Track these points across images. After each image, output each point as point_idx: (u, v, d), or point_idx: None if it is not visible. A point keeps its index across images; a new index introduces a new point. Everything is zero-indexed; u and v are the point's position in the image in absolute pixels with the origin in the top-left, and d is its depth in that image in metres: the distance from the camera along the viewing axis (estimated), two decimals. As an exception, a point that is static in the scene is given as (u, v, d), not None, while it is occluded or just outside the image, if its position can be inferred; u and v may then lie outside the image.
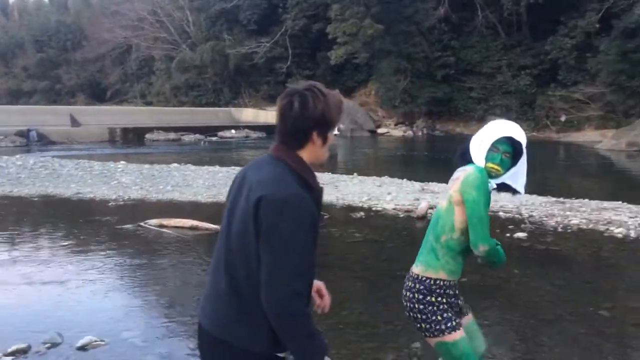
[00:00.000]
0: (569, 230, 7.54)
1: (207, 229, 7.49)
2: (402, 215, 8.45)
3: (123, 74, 44.92)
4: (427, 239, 2.53)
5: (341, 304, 4.80)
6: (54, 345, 3.97)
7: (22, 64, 49.79)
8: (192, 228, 7.55)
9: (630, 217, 8.07)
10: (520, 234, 7.18)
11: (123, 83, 45.26)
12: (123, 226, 7.69)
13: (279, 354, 1.83)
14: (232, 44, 35.66)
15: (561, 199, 9.54)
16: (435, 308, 2.43)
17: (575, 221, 7.92)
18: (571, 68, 27.57)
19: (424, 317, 2.44)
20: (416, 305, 2.45)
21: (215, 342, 1.83)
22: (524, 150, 2.36)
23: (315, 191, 1.80)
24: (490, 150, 2.37)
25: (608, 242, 6.98)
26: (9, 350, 3.80)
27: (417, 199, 9.47)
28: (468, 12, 30.62)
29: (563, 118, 27.90)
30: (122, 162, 14.41)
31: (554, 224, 7.85)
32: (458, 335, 2.40)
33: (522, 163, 2.41)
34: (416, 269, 2.52)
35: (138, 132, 26.21)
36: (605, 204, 9.17)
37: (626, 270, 6.02)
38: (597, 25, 25.95)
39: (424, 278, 2.46)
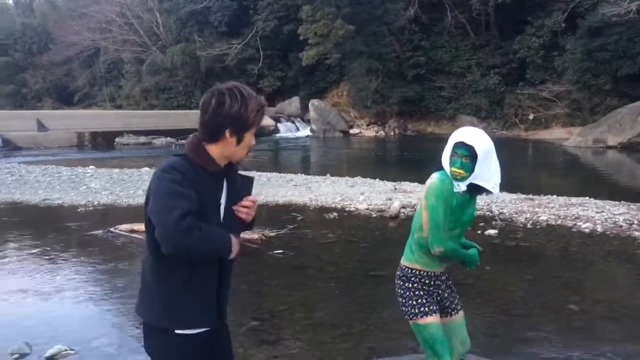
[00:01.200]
0: (538, 227, 7.69)
1: (179, 233, 7.40)
2: (375, 215, 8.50)
3: (91, 77, 44.13)
4: (410, 235, 2.79)
5: (315, 305, 4.80)
6: (22, 355, 3.88)
7: (-14, 68, 48.58)
8: (164, 232, 7.45)
9: (597, 212, 8.26)
10: (491, 231, 7.28)
11: (91, 86, 44.47)
12: (93, 232, 7.55)
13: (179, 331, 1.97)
14: (203, 45, 35.36)
15: (530, 196, 9.72)
16: (411, 293, 2.70)
17: (544, 217, 8.08)
18: (539, 67, 28.10)
19: (402, 300, 2.73)
20: (398, 291, 2.76)
21: (143, 326, 2.08)
22: (478, 153, 2.51)
23: (212, 171, 1.94)
24: (451, 155, 2.58)
25: (576, 237, 7.14)
26: (-25, 362, 3.70)
27: (390, 199, 9.53)
28: (437, 13, 30.95)
29: (531, 116, 28.42)
30: (91, 166, 14.17)
31: (523, 220, 7.99)
32: (429, 319, 2.65)
33: (487, 164, 2.56)
34: (401, 259, 2.81)
35: (107, 136, 25.79)
36: (573, 199, 9.37)
37: (593, 264, 6.16)
38: (563, 25, 26.50)
39: (403, 267, 2.76)
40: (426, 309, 2.66)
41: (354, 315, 4.53)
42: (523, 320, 4.43)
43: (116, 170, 13.63)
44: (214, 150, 1.95)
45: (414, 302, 2.69)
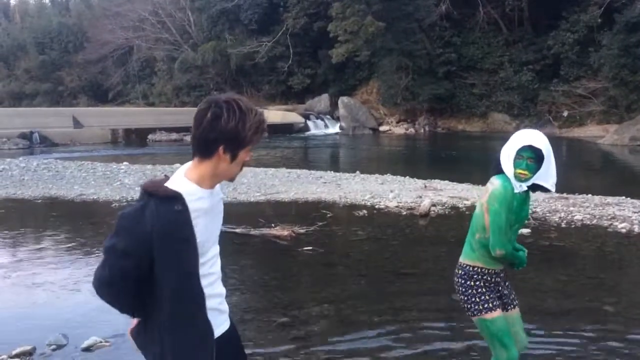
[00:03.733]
0: (573, 226, 7.53)
1: (210, 229, 7.49)
2: (405, 213, 8.44)
3: (125, 75, 44.93)
4: (469, 233, 2.90)
5: (345, 302, 4.80)
6: (59, 347, 3.98)
7: (24, 66, 49.82)
8: (195, 228, 7.55)
9: (634, 212, 8.05)
10: (524, 230, 7.15)
11: (125, 84, 45.29)
12: (126, 227, 7.69)
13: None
14: (234, 43, 35.65)
15: (564, 195, 9.52)
16: (473, 291, 2.82)
17: (578, 217, 7.90)
18: (573, 63, 27.47)
19: (465, 298, 2.85)
20: (459, 288, 2.87)
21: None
22: (544, 155, 2.68)
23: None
24: (516, 158, 2.70)
25: (612, 237, 6.97)
26: (14, 352, 3.82)
27: (420, 197, 9.46)
28: (469, 9, 30.51)
29: (565, 113, 27.81)
30: (125, 163, 14.43)
31: (557, 219, 7.84)
32: (494, 314, 2.79)
33: (548, 165, 2.72)
34: (460, 257, 2.91)
35: (140, 133, 26.24)
36: (609, 199, 9.15)
37: (630, 265, 6.01)
38: (599, 20, 25.83)
39: (464, 265, 2.87)
40: (490, 304, 2.80)
41: (383, 313, 4.51)
42: (556, 321, 4.35)
43: (149, 166, 13.86)
44: (208, 167, 1.76)
45: (478, 299, 2.81)
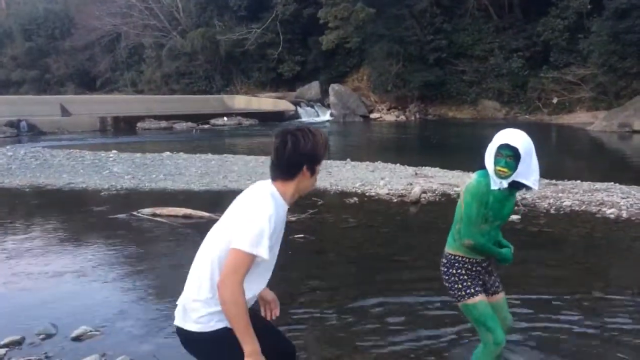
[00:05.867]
0: (562, 212, 7.58)
1: (200, 217, 7.47)
2: (395, 200, 8.46)
3: (113, 62, 44.41)
4: (453, 223, 3.03)
5: (336, 289, 4.81)
6: (49, 336, 3.96)
7: (10, 53, 49.04)
8: (185, 216, 7.53)
9: (622, 198, 8.11)
10: (514, 217, 7.19)
11: (113, 71, 44.78)
12: (116, 216, 7.65)
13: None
14: (223, 30, 35.33)
15: (554, 181, 9.57)
16: (456, 278, 2.98)
17: (567, 203, 7.96)
18: (563, 49, 27.52)
19: (449, 285, 3.01)
20: (444, 276, 3.04)
21: None
22: (522, 154, 2.78)
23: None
24: (496, 155, 2.83)
25: (600, 223, 7.03)
26: (3, 342, 3.79)
27: (411, 184, 9.48)
28: (460, -5, 30.46)
29: (555, 100, 27.91)
30: (114, 151, 14.32)
31: (546, 205, 7.89)
32: (476, 299, 2.93)
33: (528, 163, 2.83)
34: (445, 247, 3.06)
35: (129, 120, 25.99)
36: (598, 185, 9.21)
37: (618, 251, 6.07)
38: (589, 6, 25.87)
39: (447, 254, 3.04)
40: (472, 290, 2.96)
41: (375, 300, 4.53)
42: (545, 305, 4.38)
43: (138, 154, 13.76)
44: (291, 186, 2.18)
45: (460, 286, 2.97)
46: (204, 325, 2.13)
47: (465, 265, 2.97)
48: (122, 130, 24.84)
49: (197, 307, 2.15)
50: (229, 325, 2.09)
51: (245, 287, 2.08)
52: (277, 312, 2.59)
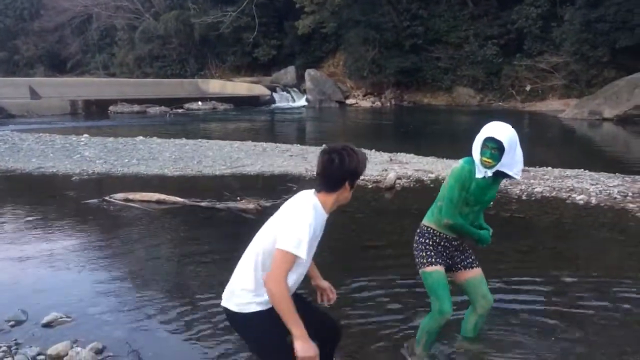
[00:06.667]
0: (533, 198, 7.71)
1: (174, 203, 7.40)
2: (370, 186, 8.50)
3: (84, 44, 43.38)
4: (435, 201, 3.28)
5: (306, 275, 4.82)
6: (19, 322, 3.90)
7: (-24, 34, 47.62)
8: (159, 202, 7.44)
9: (592, 184, 8.29)
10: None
11: (84, 54, 43.76)
12: (87, 201, 7.53)
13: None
14: (197, 13, 34.75)
15: (525, 168, 9.68)
16: (421, 246, 3.24)
17: (538, 189, 8.10)
18: (536, 38, 27.81)
19: (415, 252, 3.27)
20: (414, 244, 3.30)
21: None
22: (506, 147, 2.99)
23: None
24: (482, 147, 3.04)
25: (570, 209, 7.18)
26: (-29, 329, 3.72)
27: (386, 170, 9.52)
28: (436, -19, 30.46)
29: (528, 88, 28.26)
30: (85, 135, 14.05)
31: (518, 192, 8.02)
32: (433, 268, 3.16)
33: (512, 155, 3.04)
34: (422, 220, 3.33)
35: (101, 104, 25.48)
36: (568, 171, 9.39)
37: (587, 236, 6.21)
38: (562, -5, 26.16)
39: (422, 225, 3.30)
40: (431, 259, 3.18)
41: (348, 286, 4.55)
42: (516, 289, 4.47)
43: (110, 139, 13.54)
44: (331, 198, 2.47)
45: (423, 254, 3.21)
46: (244, 307, 2.46)
47: (434, 238, 3.21)
48: (94, 114, 24.36)
49: (241, 295, 2.47)
50: (264, 309, 2.42)
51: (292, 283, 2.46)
52: (333, 297, 2.90)
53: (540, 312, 4.07)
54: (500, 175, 3.11)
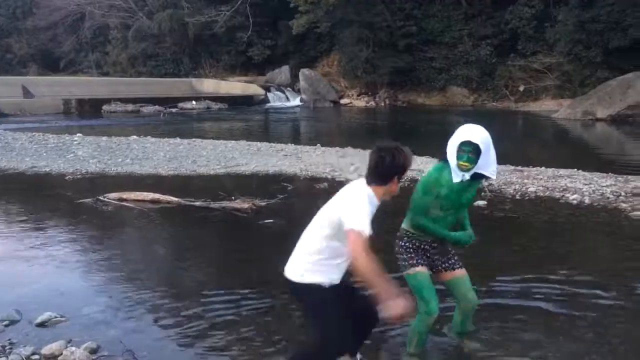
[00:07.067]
0: (527, 198, 7.74)
1: (168, 202, 7.38)
2: (365, 185, 8.48)
3: (77, 43, 43.11)
4: None
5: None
6: (13, 322, 3.89)
7: (-31, 32, 47.27)
8: (153, 201, 7.42)
9: (585, 184, 8.33)
10: (480, 202, 7.32)
11: (77, 52, 43.51)
12: (81, 200, 7.50)
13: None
14: (191, 12, 34.63)
15: (519, 168, 9.75)
16: (402, 249, 3.32)
17: (532, 189, 8.13)
18: (530, 38, 27.90)
19: (398, 256, 3.33)
20: (395, 247, 3.37)
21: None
22: (482, 149, 3.04)
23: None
24: (458, 151, 3.09)
25: (563, 208, 7.21)
26: (-35, 329, 3.70)
27: (380, 169, 9.52)
28: (430, -19, 30.49)
29: (522, 88, 28.35)
30: (79, 134, 13.99)
31: (512, 191, 8.04)
32: (416, 270, 3.22)
33: (487, 156, 3.09)
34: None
35: (94, 103, 25.35)
36: (561, 171, 9.43)
37: (580, 235, 6.25)
38: (556, -5, 26.24)
39: (401, 229, 3.38)
40: (414, 262, 3.25)
41: (343, 284, 4.56)
42: (509, 287, 4.49)
43: (104, 138, 13.49)
44: (382, 189, 2.78)
45: (406, 256, 3.28)
46: (303, 277, 2.78)
47: (412, 241, 3.30)
48: (87, 113, 24.24)
49: (303, 266, 2.81)
50: (318, 282, 2.74)
51: (345, 258, 2.74)
52: None
53: (533, 310, 4.09)
54: (477, 177, 3.17)
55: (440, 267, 3.35)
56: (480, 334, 3.67)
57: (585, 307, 4.17)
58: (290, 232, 6.26)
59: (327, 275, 2.76)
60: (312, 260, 2.78)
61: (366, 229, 2.60)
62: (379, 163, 2.74)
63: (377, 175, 2.77)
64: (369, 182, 2.78)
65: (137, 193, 7.59)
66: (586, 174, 9.22)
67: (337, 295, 2.75)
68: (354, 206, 2.66)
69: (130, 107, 25.34)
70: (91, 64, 41.95)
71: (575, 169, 9.56)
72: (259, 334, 3.75)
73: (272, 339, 3.67)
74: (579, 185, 8.25)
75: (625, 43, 23.05)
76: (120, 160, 10.69)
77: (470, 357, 3.50)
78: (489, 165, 3.14)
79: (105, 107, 25.15)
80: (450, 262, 3.36)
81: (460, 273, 3.37)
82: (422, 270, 3.22)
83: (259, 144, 13.02)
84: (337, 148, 12.33)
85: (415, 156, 10.52)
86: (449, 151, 3.12)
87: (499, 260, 5.19)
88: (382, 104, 30.88)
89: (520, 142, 16.57)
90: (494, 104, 28.44)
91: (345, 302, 2.79)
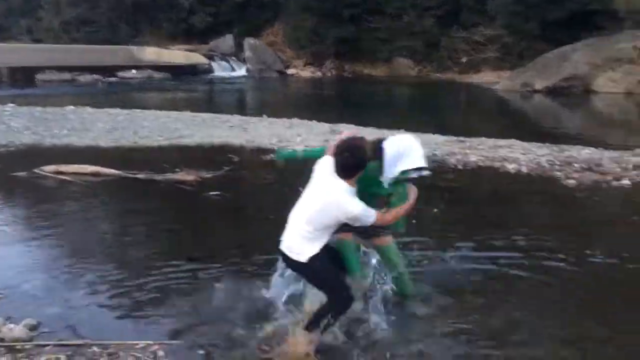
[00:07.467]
0: (468, 168, 7.97)
1: (109, 175, 7.16)
2: (311, 156, 8.49)
3: (6, 8, 40.61)
4: None
5: (252, 246, 4.82)
6: (-55, 301, 3.71)
7: None
8: (93, 174, 7.17)
9: (522, 154, 8.64)
10: (424, 173, 7.46)
11: (6, 18, 41.04)
12: (15, 174, 7.15)
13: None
14: (129, -24, 33.21)
15: (461, 138, 9.99)
16: None
17: (473, 159, 8.37)
18: (472, 10, 28.31)
19: None
20: None
21: None
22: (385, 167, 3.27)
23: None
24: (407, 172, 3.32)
25: (502, 177, 7.47)
26: None
27: (327, 140, 9.53)
28: (375, -50, 30.24)
29: (464, 60, 28.87)
30: (11, 104, 13.27)
31: (454, 161, 8.25)
32: (341, 236, 3.43)
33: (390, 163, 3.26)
34: None
35: (27, 72, 24.05)
36: (501, 142, 9.73)
37: (518, 203, 6.51)
38: (498, -33, 26.61)
39: None
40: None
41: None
42: (453, 253, 4.64)
43: (38, 108, 12.88)
44: (353, 180, 3.10)
45: None
46: (300, 256, 3.11)
47: None
48: (20, 82, 23.00)
49: (299, 246, 3.13)
50: (313, 254, 3.09)
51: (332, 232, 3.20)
52: None
53: (472, 271, 4.26)
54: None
55: (370, 233, 3.51)
56: (427, 298, 3.80)
57: (523, 268, 4.37)
58: (235, 203, 6.25)
59: (318, 245, 3.12)
60: (306, 241, 3.11)
61: (374, 214, 3.08)
62: (345, 165, 3.07)
63: (345, 173, 3.08)
64: (342, 177, 3.08)
65: (76, 165, 7.31)
66: (524, 144, 9.55)
67: (325, 253, 3.16)
68: (352, 209, 3.04)
69: (65, 75, 24.25)
70: (22, 30, 39.65)
71: (514, 139, 9.89)
72: (202, 305, 3.73)
73: (216, 309, 3.67)
74: (517, 155, 8.55)
75: (562, 15, 23.73)
76: (56, 131, 10.24)
77: (421, 319, 3.61)
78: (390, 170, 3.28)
79: (39, 76, 23.98)
80: (377, 228, 3.48)
81: (387, 240, 3.57)
82: (344, 237, 3.44)
83: (203, 114, 12.76)
84: (284, 119, 12.25)
85: (361, 127, 10.55)
86: (404, 160, 3.26)
87: (442, 228, 5.33)
88: (329, 75, 30.79)
89: (462, 114, 16.98)
90: (438, 75, 28.87)
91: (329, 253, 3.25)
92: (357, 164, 3.08)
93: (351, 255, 3.51)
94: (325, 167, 3.18)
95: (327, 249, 3.20)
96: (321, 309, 3.22)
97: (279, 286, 3.64)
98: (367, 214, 3.06)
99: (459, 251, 4.73)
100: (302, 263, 3.14)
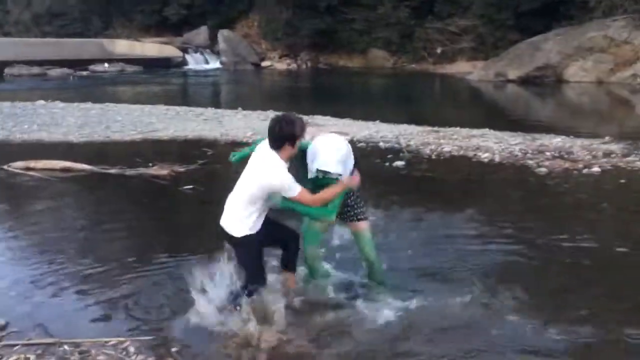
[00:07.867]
0: (442, 157, 8.03)
1: (81, 171, 7.05)
2: (286, 149, 8.47)
3: (-28, 0, 39.65)
4: None
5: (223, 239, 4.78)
6: None
7: None
8: (64, 170, 7.05)
9: (495, 143, 8.75)
10: (399, 163, 7.53)
11: (-27, 10, 40.03)
12: (-17, 171, 7.00)
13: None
14: (99, -33, 32.59)
15: (436, 128, 10.07)
16: None
17: (447, 148, 8.44)
18: (446, 0, 28.47)
19: None
20: None
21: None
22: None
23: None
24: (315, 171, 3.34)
25: (476, 166, 7.55)
26: None
27: (302, 132, 9.53)
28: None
29: (439, 50, 29.02)
30: (-22, 100, 12.98)
31: (429, 151, 8.31)
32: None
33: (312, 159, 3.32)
34: None
35: (-5, 66, 23.58)
36: (474, 131, 9.83)
37: (492, 191, 6.59)
38: (471, -42, 26.80)
39: None
40: None
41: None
42: (427, 245, 4.68)
43: (7, 103, 12.61)
44: (285, 154, 3.20)
45: None
46: (239, 232, 3.28)
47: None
48: (-13, 76, 22.51)
49: (237, 222, 3.30)
50: (249, 234, 3.28)
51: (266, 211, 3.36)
52: None
53: (443, 264, 4.30)
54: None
55: (346, 216, 3.61)
56: (394, 282, 3.82)
57: (492, 257, 4.43)
58: (210, 197, 6.20)
59: (254, 227, 3.29)
60: (243, 217, 3.28)
61: (299, 190, 3.15)
62: (274, 135, 3.18)
63: (274, 144, 3.19)
64: (273, 149, 3.20)
65: (46, 161, 7.18)
66: (497, 133, 9.67)
67: (259, 240, 3.33)
68: (280, 179, 3.14)
69: (35, 69, 23.81)
70: (-11, 23, 38.67)
71: (487, 129, 10.00)
72: (178, 299, 3.70)
73: (188, 303, 3.64)
74: (490, 144, 8.64)
75: (536, 5, 23.99)
76: (26, 126, 10.03)
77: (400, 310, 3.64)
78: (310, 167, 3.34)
79: (7, 70, 23.49)
80: (354, 212, 3.61)
81: (362, 226, 3.64)
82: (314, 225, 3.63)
83: (177, 108, 12.63)
84: (259, 112, 12.19)
85: (337, 119, 10.56)
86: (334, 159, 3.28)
87: (414, 219, 5.37)
88: (304, 67, 30.70)
89: (436, 104, 17.10)
90: (413, 66, 28.98)
91: (271, 232, 3.41)
92: (284, 135, 3.16)
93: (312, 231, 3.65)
94: (264, 145, 3.31)
95: (266, 228, 3.34)
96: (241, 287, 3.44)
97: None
98: (289, 187, 3.14)
99: (431, 241, 4.77)
100: (236, 238, 3.31)
